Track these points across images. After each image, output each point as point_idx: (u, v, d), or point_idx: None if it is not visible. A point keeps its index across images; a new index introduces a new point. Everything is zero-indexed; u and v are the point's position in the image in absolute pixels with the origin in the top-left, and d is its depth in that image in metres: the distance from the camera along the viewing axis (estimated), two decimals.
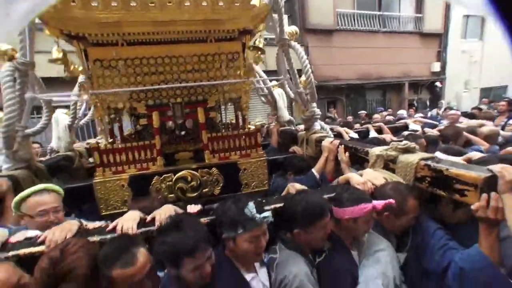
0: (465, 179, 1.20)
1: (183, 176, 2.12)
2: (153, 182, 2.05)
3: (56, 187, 1.59)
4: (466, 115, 5.24)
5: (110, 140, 2.46)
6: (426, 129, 3.68)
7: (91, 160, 3.11)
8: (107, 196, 1.95)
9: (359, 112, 8.48)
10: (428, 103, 12.06)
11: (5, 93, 1.72)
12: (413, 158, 1.44)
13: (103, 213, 2.00)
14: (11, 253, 1.17)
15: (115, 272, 1.03)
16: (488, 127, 3.25)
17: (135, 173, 2.02)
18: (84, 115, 3.35)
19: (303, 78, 2.47)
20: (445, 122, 4.72)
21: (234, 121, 3.06)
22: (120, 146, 2.00)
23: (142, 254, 1.09)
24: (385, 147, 1.65)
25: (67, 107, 2.88)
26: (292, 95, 2.59)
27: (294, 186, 1.61)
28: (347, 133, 4.06)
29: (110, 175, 1.96)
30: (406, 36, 11.39)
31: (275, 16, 2.12)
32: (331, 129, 4.56)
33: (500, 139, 3.22)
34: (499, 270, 1.20)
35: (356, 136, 4.06)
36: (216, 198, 2.21)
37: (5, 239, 1.23)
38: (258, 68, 3.34)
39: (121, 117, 2.61)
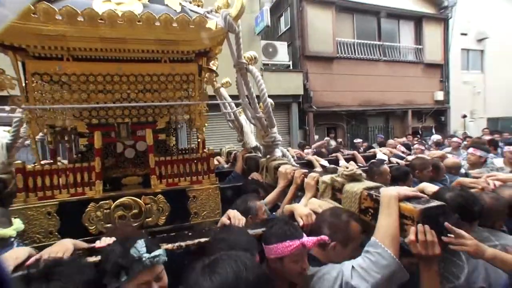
0: (403, 211, 1.22)
1: (123, 203, 2.04)
2: (88, 209, 1.95)
3: None
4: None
5: (50, 161, 2.36)
6: (392, 159, 3.82)
7: None
8: (26, 227, 1.79)
9: (354, 141, 8.37)
10: (433, 131, 12.36)
11: None
12: (358, 187, 1.44)
13: None
14: None
15: None
16: (451, 159, 3.46)
17: (66, 199, 1.92)
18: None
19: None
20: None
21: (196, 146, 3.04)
22: (52, 167, 1.92)
23: None
24: (334, 174, 1.66)
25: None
26: (251, 120, 2.64)
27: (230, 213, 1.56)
28: (317, 161, 4.13)
29: (35, 201, 1.84)
30: (408, 65, 12.22)
31: (233, 39, 2.22)
32: (299, 158, 4.64)
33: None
34: None
35: (327, 164, 4.13)
36: (161, 229, 2.13)
37: None
38: (225, 92, 3.41)
39: (71, 136, 2.55)
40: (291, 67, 10.36)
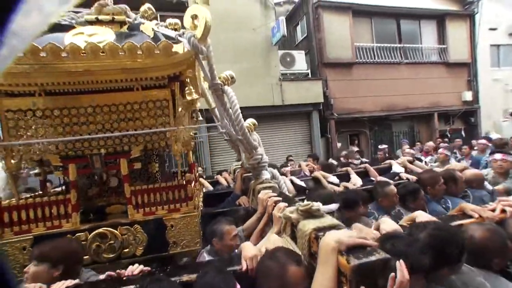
0: (339, 265, 0.98)
1: (99, 234, 1.97)
2: None
3: None
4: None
5: (39, 193, 2.38)
6: (402, 175, 3.40)
7: None
8: None
9: (379, 147, 7.90)
10: (463, 134, 11.40)
11: None
12: (309, 226, 1.20)
13: None
14: None
15: None
16: (470, 170, 2.97)
17: (42, 233, 1.89)
18: None
19: (247, 123, 2.38)
20: None
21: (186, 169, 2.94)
22: (28, 201, 1.90)
23: None
24: (290, 208, 1.43)
25: None
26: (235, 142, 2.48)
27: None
28: (325, 177, 3.84)
29: (10, 236, 1.82)
30: (431, 67, 11.42)
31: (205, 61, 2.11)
32: (311, 172, 4.34)
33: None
34: None
35: (336, 180, 3.82)
36: (139, 260, 2.03)
37: None
38: (217, 112, 3.30)
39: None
40: (309, 75, 10.13)
